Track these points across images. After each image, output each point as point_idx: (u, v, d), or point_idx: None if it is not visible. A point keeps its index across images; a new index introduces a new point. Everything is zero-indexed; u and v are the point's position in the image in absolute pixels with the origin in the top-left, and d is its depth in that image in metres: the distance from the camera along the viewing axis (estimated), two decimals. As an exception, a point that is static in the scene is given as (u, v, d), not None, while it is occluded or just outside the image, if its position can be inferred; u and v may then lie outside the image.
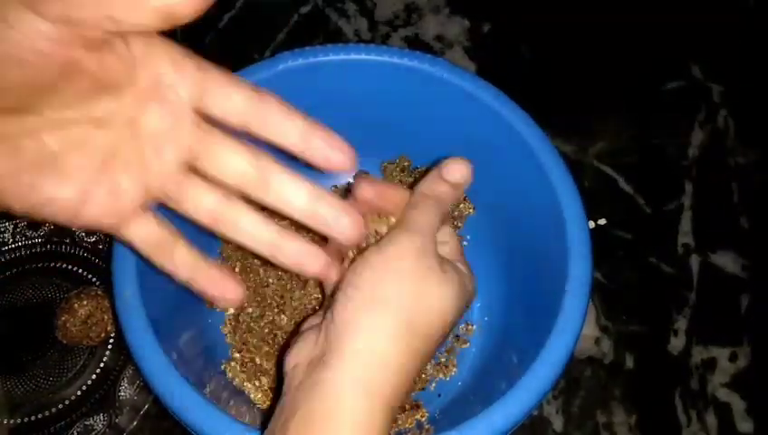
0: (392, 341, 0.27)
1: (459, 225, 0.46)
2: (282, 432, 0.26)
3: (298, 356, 0.28)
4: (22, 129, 0.24)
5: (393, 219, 0.32)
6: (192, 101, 0.25)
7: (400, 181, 0.45)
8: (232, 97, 0.26)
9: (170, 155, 0.26)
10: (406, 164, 0.45)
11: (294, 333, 0.35)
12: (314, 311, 0.41)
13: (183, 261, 0.28)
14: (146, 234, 0.27)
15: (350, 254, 0.33)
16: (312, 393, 0.26)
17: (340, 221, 0.27)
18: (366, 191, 0.31)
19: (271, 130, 0.26)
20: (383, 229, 0.32)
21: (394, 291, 0.27)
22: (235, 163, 0.26)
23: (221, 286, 0.28)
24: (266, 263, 0.42)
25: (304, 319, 0.34)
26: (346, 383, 0.26)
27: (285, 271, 0.41)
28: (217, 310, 0.42)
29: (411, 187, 0.44)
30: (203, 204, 0.27)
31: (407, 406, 0.39)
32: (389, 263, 0.28)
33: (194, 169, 0.27)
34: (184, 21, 0.23)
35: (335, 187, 0.47)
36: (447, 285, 0.29)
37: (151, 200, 0.27)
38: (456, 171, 0.32)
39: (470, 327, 0.44)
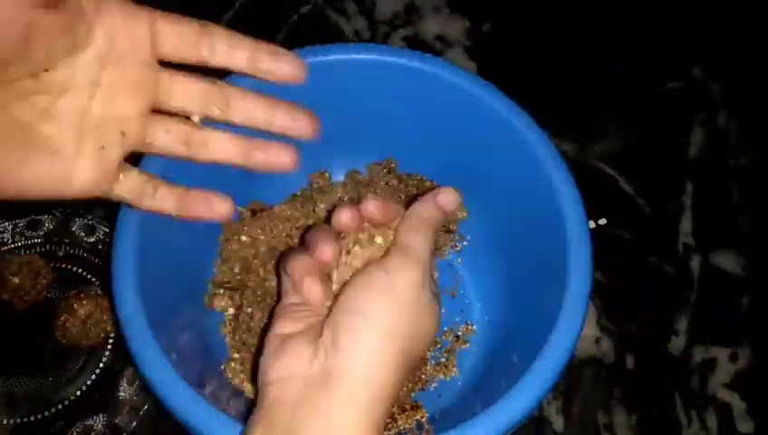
0: (393, 371, 0.27)
1: (453, 228, 0.46)
2: None
3: (290, 369, 0.28)
4: None
5: (389, 232, 0.32)
6: (147, 47, 0.28)
7: (387, 183, 0.45)
8: (182, 34, 0.28)
9: (138, 104, 0.28)
10: (393, 166, 0.45)
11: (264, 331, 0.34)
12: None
13: (167, 197, 0.31)
14: (132, 186, 0.30)
15: (349, 246, 0.32)
16: (315, 420, 0.26)
17: (297, 123, 0.32)
18: (371, 207, 0.31)
19: (218, 56, 0.30)
20: (378, 239, 0.32)
21: (400, 323, 0.28)
22: (195, 90, 0.30)
23: (207, 205, 0.31)
24: (266, 263, 0.42)
25: (271, 312, 0.33)
26: (350, 414, 0.26)
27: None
28: (217, 310, 0.42)
29: (398, 190, 0.45)
30: (173, 133, 0.30)
31: (407, 406, 0.39)
32: (397, 293, 0.28)
33: (157, 110, 0.29)
34: None
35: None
36: (435, 316, 0.30)
37: (129, 150, 0.29)
38: (452, 200, 0.33)
39: (470, 327, 0.44)
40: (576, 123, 0.57)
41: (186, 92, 0.29)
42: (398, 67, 0.39)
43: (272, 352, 0.29)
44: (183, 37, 0.28)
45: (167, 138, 0.30)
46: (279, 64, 0.31)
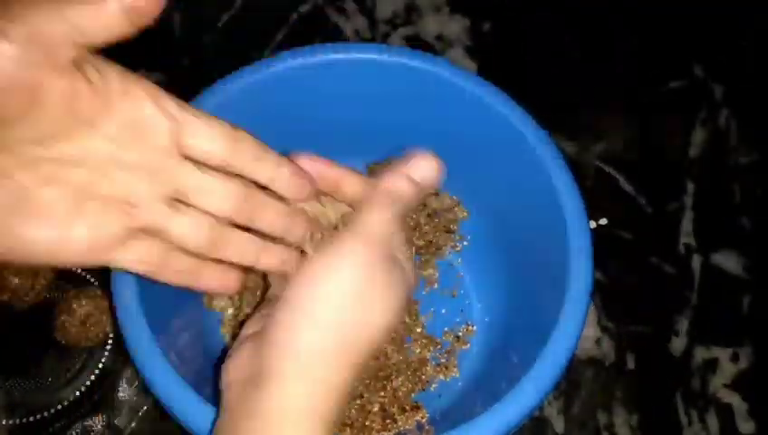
0: (332, 364, 0.25)
1: (453, 228, 0.45)
2: None
3: (233, 372, 0.26)
4: None
5: (345, 207, 0.30)
6: (172, 138, 0.25)
7: None
8: (214, 140, 0.26)
9: (153, 191, 0.26)
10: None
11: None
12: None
13: (182, 268, 0.28)
14: (138, 256, 0.27)
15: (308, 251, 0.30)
16: (249, 422, 0.24)
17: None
18: (305, 166, 0.28)
19: (245, 171, 0.27)
20: (331, 215, 0.30)
21: (332, 308, 0.25)
22: (218, 191, 0.27)
23: (224, 280, 0.29)
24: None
25: (247, 318, 0.32)
26: (288, 414, 0.24)
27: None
28: (216, 310, 0.42)
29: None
30: (191, 232, 0.27)
31: (407, 407, 0.39)
32: (329, 274, 0.25)
33: (177, 201, 0.26)
34: (149, 19, 0.23)
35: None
36: (391, 296, 0.26)
37: (136, 232, 0.26)
38: (424, 168, 0.28)
39: (471, 328, 0.44)
40: (576, 123, 0.57)
41: (206, 191, 0.27)
42: (399, 67, 0.39)
43: (229, 355, 0.27)
44: (214, 143, 0.26)
45: (180, 235, 0.27)
46: (293, 186, 0.28)
